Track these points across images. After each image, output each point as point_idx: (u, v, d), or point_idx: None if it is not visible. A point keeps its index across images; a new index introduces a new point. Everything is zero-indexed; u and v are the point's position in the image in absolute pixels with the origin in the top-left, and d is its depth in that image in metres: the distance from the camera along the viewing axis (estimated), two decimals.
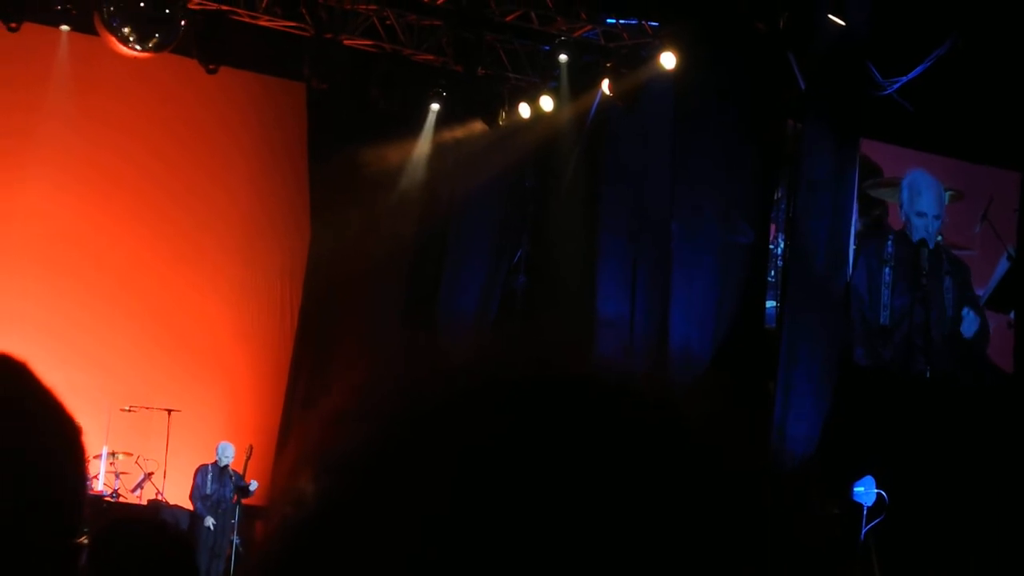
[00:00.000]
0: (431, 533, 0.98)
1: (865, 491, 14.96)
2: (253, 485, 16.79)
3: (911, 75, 15.62)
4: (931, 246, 16.81)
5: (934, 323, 16.70)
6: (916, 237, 16.80)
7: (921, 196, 17.00)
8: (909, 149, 17.11)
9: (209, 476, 16.80)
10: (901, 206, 16.98)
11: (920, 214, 16.94)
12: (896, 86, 15.66)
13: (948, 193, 17.22)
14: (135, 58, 15.90)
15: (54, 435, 1.83)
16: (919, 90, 15.81)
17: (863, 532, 14.90)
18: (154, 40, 15.58)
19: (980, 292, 17.28)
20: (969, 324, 17.10)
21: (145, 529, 4.60)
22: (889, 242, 16.80)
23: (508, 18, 17.14)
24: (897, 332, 16.65)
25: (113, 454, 17.13)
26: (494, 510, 0.98)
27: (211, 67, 16.60)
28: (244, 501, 16.81)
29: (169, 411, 17.76)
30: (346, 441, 1.06)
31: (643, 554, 0.99)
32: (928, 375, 16.63)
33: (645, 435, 1.04)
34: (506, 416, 1.02)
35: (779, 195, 16.62)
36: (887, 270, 16.68)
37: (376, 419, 1.06)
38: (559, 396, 1.05)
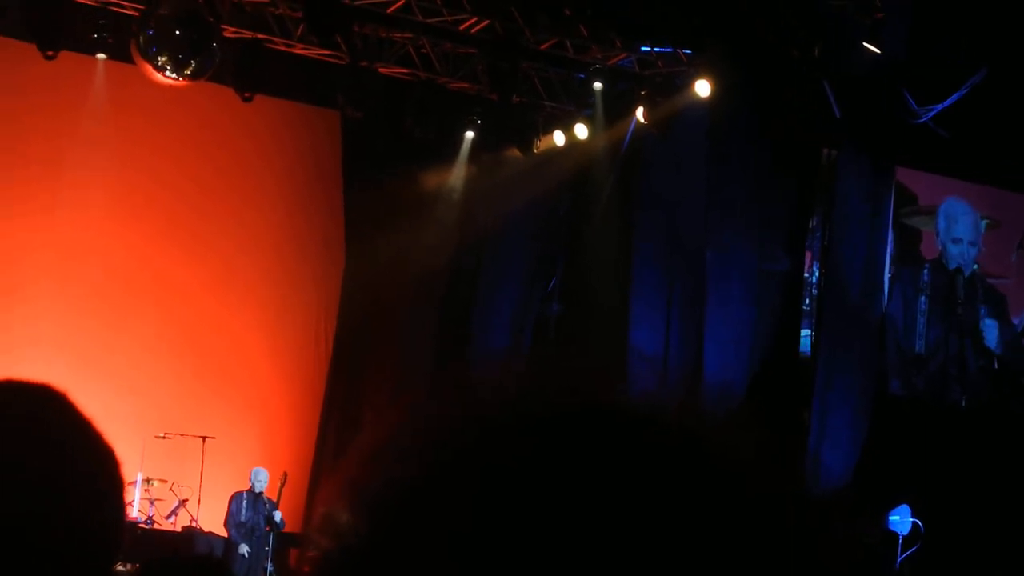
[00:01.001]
0: (467, 565, 0.98)
1: (901, 520, 14.89)
2: (278, 516, 16.72)
3: (947, 103, 15.56)
4: (967, 274, 16.72)
5: (969, 353, 16.60)
6: (952, 265, 16.71)
7: (957, 223, 16.91)
8: (946, 177, 17.02)
9: (244, 503, 16.81)
10: (938, 235, 16.89)
11: (956, 240, 16.84)
12: (931, 114, 15.60)
13: (984, 222, 17.13)
14: (171, 86, 15.97)
15: (93, 465, 1.85)
16: (955, 117, 15.75)
17: (899, 561, 14.82)
18: (190, 68, 15.63)
19: (1016, 321, 17.17)
20: (989, 331, 16.93)
21: (183, 561, 4.61)
22: (925, 271, 16.71)
23: (543, 46, 17.17)
24: (932, 361, 16.56)
25: (148, 481, 17.16)
26: (529, 541, 0.98)
27: (247, 95, 16.66)
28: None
29: (204, 438, 17.79)
30: (382, 477, 1.06)
31: None
32: (963, 404, 16.53)
33: (677, 465, 1.04)
34: (541, 448, 1.02)
35: (814, 223, 16.57)
36: (923, 299, 16.60)
37: (410, 454, 1.06)
38: (593, 427, 1.04)
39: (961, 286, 16.60)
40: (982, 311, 16.87)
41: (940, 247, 16.92)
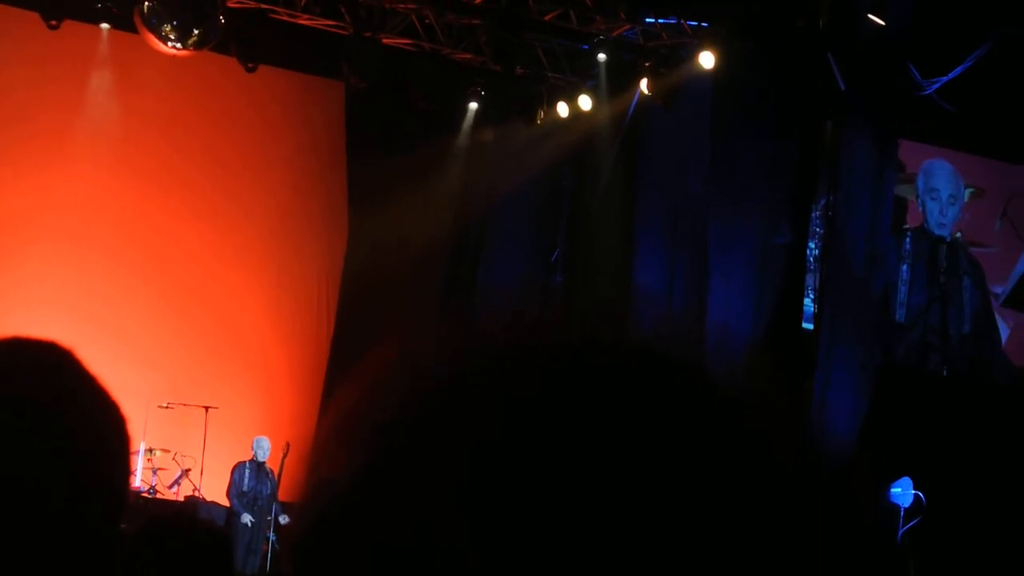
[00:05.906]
0: (465, 500, 0.98)
1: (902, 492, 14.90)
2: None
3: (951, 75, 15.54)
4: (948, 238, 16.72)
5: (951, 322, 16.61)
6: (931, 221, 16.72)
7: (934, 176, 16.88)
8: (932, 146, 17.02)
9: (247, 473, 16.84)
10: (917, 196, 16.90)
11: (932, 192, 16.80)
12: (936, 86, 15.59)
13: (968, 190, 17.12)
14: (174, 56, 15.96)
15: (100, 422, 1.85)
16: (958, 90, 15.73)
17: (900, 534, 14.84)
18: (193, 38, 15.63)
19: (998, 290, 17.16)
20: (971, 300, 16.90)
21: (182, 525, 4.62)
22: (907, 239, 16.71)
23: (547, 17, 17.14)
24: (913, 331, 16.57)
25: (151, 450, 17.20)
26: (528, 481, 0.98)
27: (250, 65, 16.66)
28: (280, 499, 16.85)
29: (206, 408, 17.83)
30: (376, 419, 1.06)
31: (678, 526, 1.00)
32: (944, 373, 16.55)
33: (683, 413, 1.04)
34: (543, 387, 1.02)
35: (817, 195, 16.56)
36: (904, 267, 16.60)
37: (410, 393, 1.06)
38: (596, 366, 1.05)
39: (944, 255, 16.61)
40: (965, 281, 16.87)
41: (920, 208, 16.89)
